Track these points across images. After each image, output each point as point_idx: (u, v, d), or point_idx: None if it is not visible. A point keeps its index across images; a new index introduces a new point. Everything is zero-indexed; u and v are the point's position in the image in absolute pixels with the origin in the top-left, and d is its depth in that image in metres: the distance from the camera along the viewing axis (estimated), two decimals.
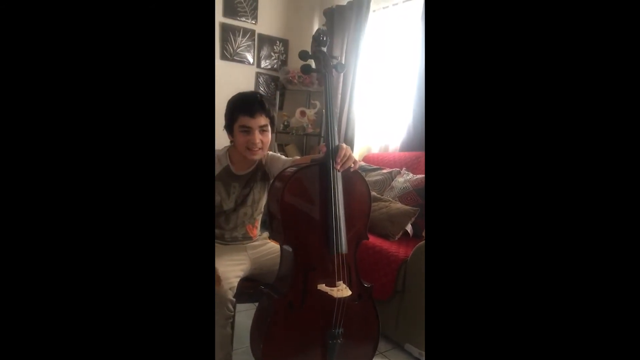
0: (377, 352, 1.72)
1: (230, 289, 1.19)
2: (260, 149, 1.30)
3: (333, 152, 1.05)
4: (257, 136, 1.28)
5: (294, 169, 1.09)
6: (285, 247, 1.09)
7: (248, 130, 1.27)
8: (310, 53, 1.19)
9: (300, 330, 1.05)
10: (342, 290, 1.02)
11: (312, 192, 1.05)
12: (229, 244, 1.41)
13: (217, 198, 1.37)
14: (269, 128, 1.32)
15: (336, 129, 1.08)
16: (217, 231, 1.41)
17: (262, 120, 1.28)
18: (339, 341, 1.04)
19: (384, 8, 2.84)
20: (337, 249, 1.04)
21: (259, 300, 1.18)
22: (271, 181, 1.40)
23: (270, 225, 1.17)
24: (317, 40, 1.18)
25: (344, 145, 1.08)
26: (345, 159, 1.06)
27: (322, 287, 1.02)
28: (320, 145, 1.17)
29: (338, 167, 1.05)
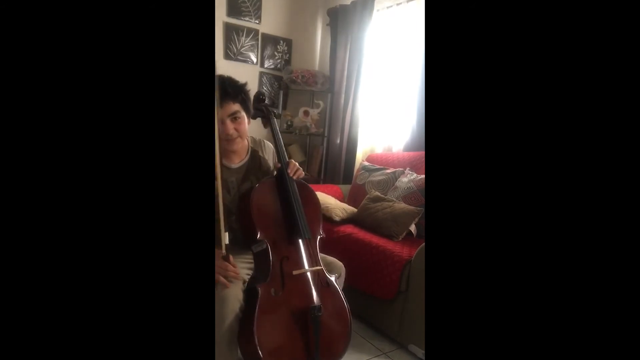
0: (380, 353, 1.73)
1: (243, 282, 1.21)
2: (238, 137, 1.29)
3: (285, 166, 1.34)
4: (229, 125, 1.26)
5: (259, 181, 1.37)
6: (259, 246, 1.25)
7: (220, 121, 1.24)
8: (255, 108, 1.46)
9: (286, 311, 1.18)
10: (313, 267, 1.26)
11: (275, 194, 1.32)
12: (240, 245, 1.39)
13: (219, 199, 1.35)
14: (242, 113, 1.28)
15: (284, 149, 1.40)
16: (229, 234, 1.36)
17: (232, 107, 1.24)
18: (319, 314, 1.17)
19: (387, 8, 2.83)
20: (303, 234, 1.26)
21: (244, 301, 1.24)
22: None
23: (244, 231, 1.33)
24: (257, 99, 1.47)
25: (293, 161, 1.37)
26: (295, 169, 1.35)
27: (298, 271, 1.22)
28: (275, 163, 1.41)
29: (291, 174, 1.33)
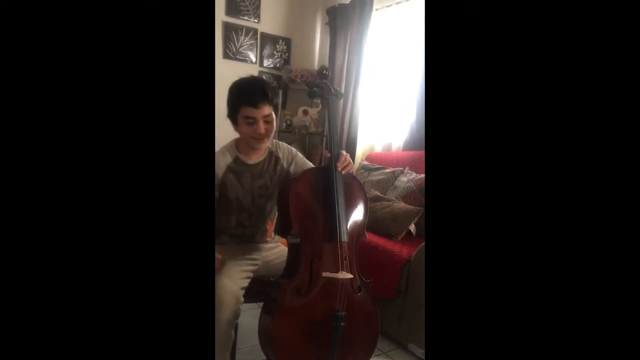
0: (380, 352, 1.73)
1: (241, 288, 1.20)
2: (266, 137, 1.29)
3: (335, 158, 1.25)
4: (262, 126, 1.25)
5: (305, 169, 1.31)
6: (293, 238, 1.20)
7: (253, 121, 1.24)
8: (315, 85, 1.42)
9: (308, 312, 1.14)
10: (344, 274, 1.17)
11: (318, 188, 1.23)
12: (245, 244, 1.39)
13: (232, 194, 1.34)
14: (273, 116, 1.29)
15: (337, 139, 1.31)
16: (238, 230, 1.38)
17: (266, 109, 1.25)
18: (342, 324, 1.12)
19: (387, 7, 2.82)
20: (339, 237, 1.17)
21: (268, 292, 1.22)
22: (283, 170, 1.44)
23: (280, 219, 1.28)
24: (320, 74, 1.43)
25: (344, 152, 1.28)
26: (346, 163, 1.27)
27: (327, 273, 1.15)
28: (325, 152, 1.33)
29: (340, 168, 1.25)
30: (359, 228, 1.28)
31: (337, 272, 1.16)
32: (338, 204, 1.20)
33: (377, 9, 2.87)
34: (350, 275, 1.17)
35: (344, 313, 1.13)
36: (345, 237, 1.19)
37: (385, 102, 2.87)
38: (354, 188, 1.30)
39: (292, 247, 1.25)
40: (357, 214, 1.28)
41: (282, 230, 1.26)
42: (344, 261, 1.18)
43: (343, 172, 1.26)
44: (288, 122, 3.22)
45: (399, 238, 1.94)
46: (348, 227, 1.22)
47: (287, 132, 3.20)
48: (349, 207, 1.25)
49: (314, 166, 1.39)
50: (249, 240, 1.41)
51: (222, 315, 1.13)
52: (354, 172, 2.67)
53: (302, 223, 1.19)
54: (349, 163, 1.29)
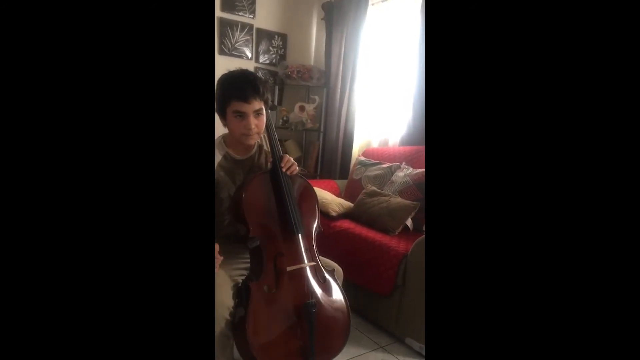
0: (377, 346, 1.74)
1: (234, 285, 1.20)
2: (256, 133, 1.28)
3: (278, 160, 1.32)
4: (252, 121, 1.24)
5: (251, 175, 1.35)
6: (253, 242, 1.23)
7: (242, 116, 1.23)
8: None
9: (280, 308, 1.18)
10: (307, 263, 1.25)
11: (267, 190, 1.31)
12: (236, 243, 1.37)
13: (225, 193, 1.33)
14: (264, 111, 1.28)
15: (278, 143, 1.37)
16: (230, 229, 1.36)
17: (257, 104, 1.24)
18: (314, 310, 1.17)
19: (383, 1, 2.82)
20: (297, 231, 1.25)
21: (238, 296, 1.24)
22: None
23: (237, 227, 1.30)
24: None
25: (287, 155, 1.35)
26: (289, 164, 1.32)
27: (292, 267, 1.22)
28: (268, 158, 1.39)
29: (284, 169, 1.30)
30: (313, 222, 1.37)
31: (301, 264, 1.23)
32: (290, 199, 1.26)
33: (373, 4, 2.86)
34: (313, 263, 1.26)
35: (314, 300, 1.19)
36: (300, 230, 1.26)
37: (382, 97, 2.87)
38: (302, 185, 1.38)
39: (253, 251, 1.27)
40: (310, 209, 1.37)
41: (240, 237, 1.28)
42: (306, 252, 1.26)
43: (288, 173, 1.32)
44: (284, 118, 3.21)
45: (396, 233, 1.95)
46: (304, 220, 1.30)
47: (284, 129, 3.20)
48: (301, 203, 1.32)
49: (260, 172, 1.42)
50: (239, 240, 1.38)
51: (219, 314, 1.13)
52: (352, 168, 2.69)
53: (258, 225, 1.24)
54: (293, 164, 1.34)
